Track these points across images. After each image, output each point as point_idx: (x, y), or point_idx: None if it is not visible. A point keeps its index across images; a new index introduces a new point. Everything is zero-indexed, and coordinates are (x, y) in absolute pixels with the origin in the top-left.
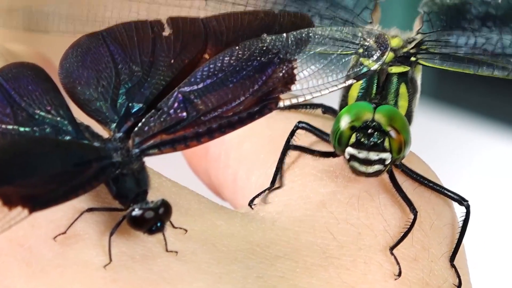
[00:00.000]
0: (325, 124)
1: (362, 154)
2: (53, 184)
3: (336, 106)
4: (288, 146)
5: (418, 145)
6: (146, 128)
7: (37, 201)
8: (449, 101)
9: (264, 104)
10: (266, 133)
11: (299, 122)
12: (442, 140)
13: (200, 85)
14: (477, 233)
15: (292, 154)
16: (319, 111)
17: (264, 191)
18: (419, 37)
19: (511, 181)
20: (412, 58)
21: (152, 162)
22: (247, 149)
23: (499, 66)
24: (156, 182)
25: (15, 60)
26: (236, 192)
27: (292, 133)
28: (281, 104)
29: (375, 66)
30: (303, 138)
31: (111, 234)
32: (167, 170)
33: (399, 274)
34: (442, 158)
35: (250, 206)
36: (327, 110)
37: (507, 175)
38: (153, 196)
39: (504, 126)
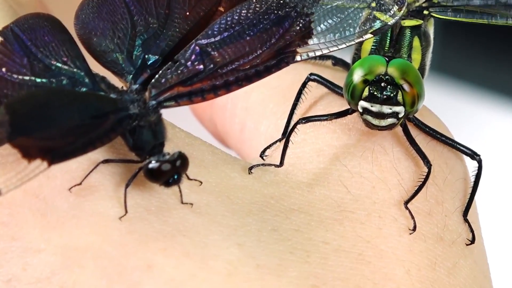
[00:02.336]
0: (335, 76)
1: (375, 108)
2: (71, 137)
3: (346, 58)
4: (298, 99)
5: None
6: (163, 80)
7: (56, 154)
8: (452, 74)
9: (281, 57)
10: (274, 83)
11: (311, 74)
12: (445, 113)
13: (217, 38)
14: (483, 198)
15: (302, 106)
16: (328, 62)
17: (275, 142)
18: None
19: None
20: (425, 12)
21: (163, 113)
22: (255, 99)
23: None
24: (169, 133)
25: (20, 7)
26: (243, 142)
27: (304, 85)
28: (298, 57)
29: (392, 21)
30: (314, 90)
31: (126, 186)
32: (178, 120)
33: (414, 229)
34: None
35: (262, 158)
36: (337, 62)
37: (510, 148)
38: (166, 147)
39: (508, 99)
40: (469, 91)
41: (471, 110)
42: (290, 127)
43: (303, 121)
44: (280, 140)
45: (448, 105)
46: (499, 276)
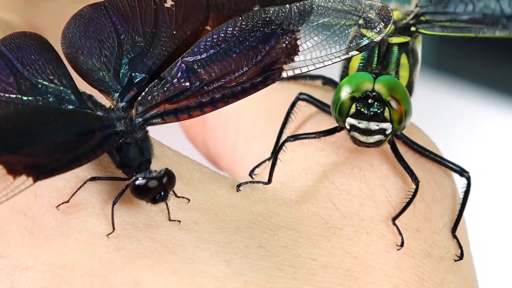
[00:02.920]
0: (324, 96)
1: (363, 124)
2: (57, 153)
3: (335, 77)
4: (288, 119)
5: (419, 117)
6: (149, 98)
7: (41, 170)
8: (450, 72)
9: (267, 74)
10: (265, 104)
11: (300, 93)
12: (443, 111)
13: (204, 55)
14: (477, 205)
15: (292, 125)
16: (319, 82)
17: (265, 161)
18: (417, 9)
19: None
20: (412, 28)
21: (152, 131)
22: (246, 120)
23: (500, 27)
24: (157, 151)
25: (9, 28)
26: (234, 162)
27: (293, 105)
28: (284, 74)
29: (378, 38)
30: (304, 110)
31: (114, 203)
32: (167, 139)
33: (402, 245)
34: (443, 129)
35: (251, 176)
36: (327, 81)
37: (509, 144)
38: (154, 166)
39: (505, 96)
40: (467, 89)
41: (469, 108)
42: (279, 145)
43: (291, 139)
44: (269, 159)
45: (446, 103)
46: None
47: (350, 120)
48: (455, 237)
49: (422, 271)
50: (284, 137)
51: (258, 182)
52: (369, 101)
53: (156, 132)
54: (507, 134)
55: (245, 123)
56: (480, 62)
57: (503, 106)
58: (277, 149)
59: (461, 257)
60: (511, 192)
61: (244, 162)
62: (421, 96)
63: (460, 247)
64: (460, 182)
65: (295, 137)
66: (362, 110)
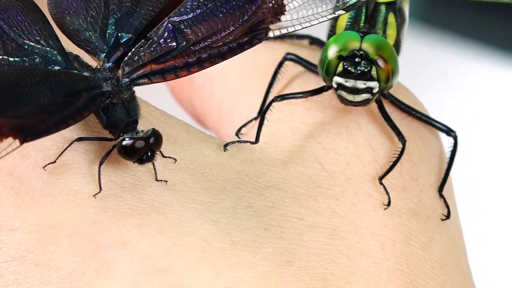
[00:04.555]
0: (311, 55)
1: (350, 83)
2: (44, 115)
3: (323, 37)
4: (275, 79)
5: (406, 71)
6: (136, 58)
7: (28, 132)
8: (439, 25)
9: (253, 34)
10: (251, 63)
11: (287, 53)
12: (432, 66)
13: (190, 15)
14: (464, 164)
15: (278, 85)
16: (305, 41)
17: (251, 120)
18: None
19: (501, 107)
20: None
21: (139, 92)
22: (232, 79)
23: None
24: (144, 111)
25: None
26: (220, 122)
27: (280, 65)
28: (270, 34)
29: None
30: (291, 69)
31: (100, 164)
32: (154, 99)
33: (389, 204)
34: (432, 83)
35: (237, 136)
36: (313, 41)
37: (497, 100)
38: (141, 125)
39: (495, 50)
40: (456, 43)
41: (457, 63)
42: (266, 105)
43: (278, 99)
44: (256, 118)
45: (434, 57)
46: (475, 250)
47: (337, 79)
48: (441, 196)
49: (409, 230)
50: (271, 97)
51: (245, 141)
52: (356, 59)
53: (142, 92)
54: (495, 88)
55: (231, 83)
56: (469, 15)
57: (492, 60)
58: (264, 108)
59: (448, 216)
60: (499, 150)
61: (230, 121)
62: (409, 51)
63: (447, 206)
64: (447, 141)
65: (282, 97)
66: (349, 68)
